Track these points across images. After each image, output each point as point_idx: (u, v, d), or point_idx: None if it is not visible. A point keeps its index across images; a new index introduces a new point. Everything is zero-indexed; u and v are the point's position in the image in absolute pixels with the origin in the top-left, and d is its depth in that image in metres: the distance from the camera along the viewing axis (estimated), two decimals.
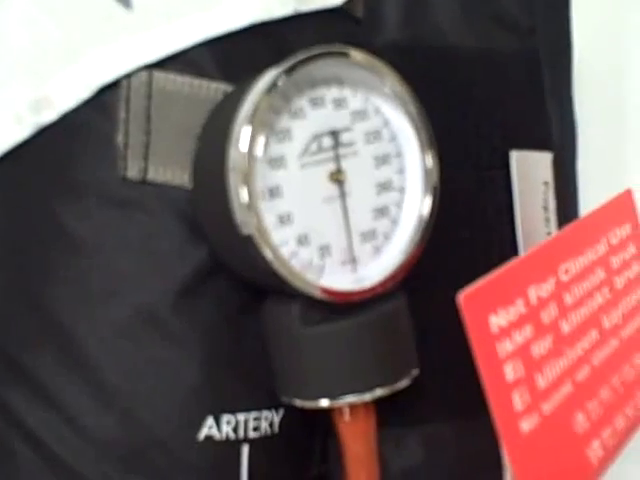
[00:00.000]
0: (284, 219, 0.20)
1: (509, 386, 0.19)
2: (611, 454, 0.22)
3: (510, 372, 0.19)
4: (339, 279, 0.21)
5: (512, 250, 0.25)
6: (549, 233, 0.26)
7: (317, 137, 0.20)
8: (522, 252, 0.25)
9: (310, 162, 0.20)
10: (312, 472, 0.25)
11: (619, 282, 0.24)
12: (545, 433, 0.20)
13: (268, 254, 0.19)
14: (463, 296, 0.18)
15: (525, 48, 0.26)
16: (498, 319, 0.19)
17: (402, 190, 0.22)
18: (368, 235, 0.21)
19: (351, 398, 0.21)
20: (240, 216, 0.19)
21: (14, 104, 0.22)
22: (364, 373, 0.21)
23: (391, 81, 0.21)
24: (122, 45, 0.22)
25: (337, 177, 0.21)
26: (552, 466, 0.20)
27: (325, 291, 0.20)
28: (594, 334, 0.22)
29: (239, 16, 0.22)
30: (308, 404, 0.21)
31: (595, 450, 0.21)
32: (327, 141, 0.21)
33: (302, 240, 0.20)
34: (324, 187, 0.21)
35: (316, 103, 0.21)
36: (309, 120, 0.20)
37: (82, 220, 0.22)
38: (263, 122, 0.19)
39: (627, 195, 0.25)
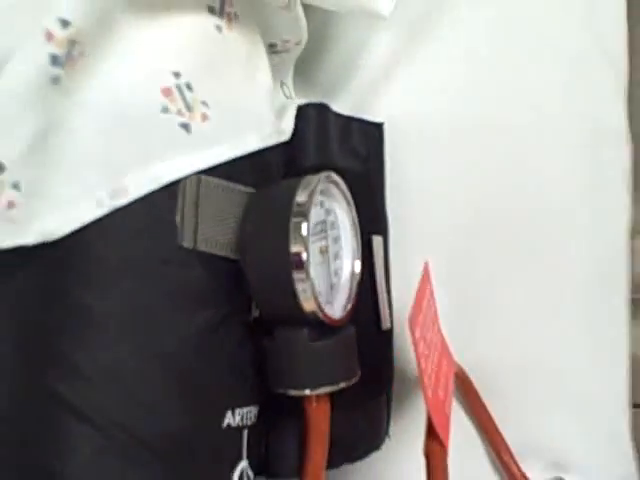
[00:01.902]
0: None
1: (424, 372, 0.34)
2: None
3: (423, 364, 0.34)
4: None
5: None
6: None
7: (317, 225, 0.33)
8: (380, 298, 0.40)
9: (313, 240, 0.33)
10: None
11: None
12: (435, 395, 0.35)
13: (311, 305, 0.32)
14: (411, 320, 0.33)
15: (365, 169, 0.42)
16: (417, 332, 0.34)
17: (341, 258, 0.36)
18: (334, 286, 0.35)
19: (325, 389, 0.33)
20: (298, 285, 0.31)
21: (95, 191, 0.30)
22: (335, 372, 0.34)
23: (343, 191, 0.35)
24: (183, 159, 0.32)
25: (324, 250, 0.34)
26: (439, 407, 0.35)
27: (327, 317, 0.33)
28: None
29: (250, 145, 0.34)
30: (296, 393, 0.33)
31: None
32: (320, 227, 0.34)
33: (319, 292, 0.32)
34: (318, 257, 0.33)
35: (317, 204, 0.33)
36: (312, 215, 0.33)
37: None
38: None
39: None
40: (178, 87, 0.32)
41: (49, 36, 0.29)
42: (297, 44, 0.42)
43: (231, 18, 0.35)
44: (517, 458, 0.47)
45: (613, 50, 0.55)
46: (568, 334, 0.50)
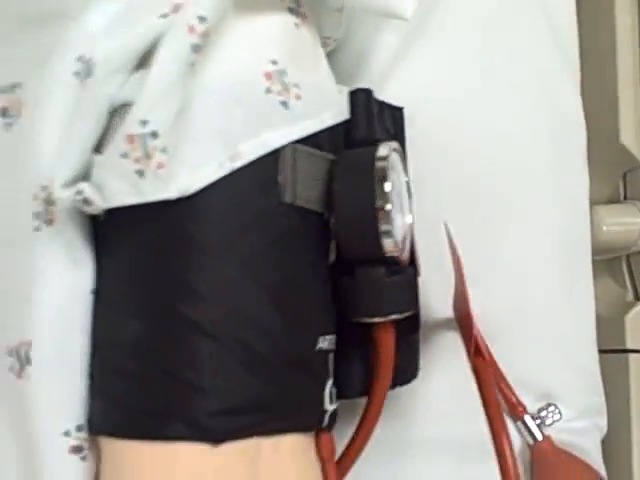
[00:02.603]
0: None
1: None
2: None
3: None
4: None
5: None
6: None
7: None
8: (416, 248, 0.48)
9: None
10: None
11: None
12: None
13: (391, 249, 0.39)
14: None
15: None
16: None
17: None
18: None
19: (394, 316, 0.41)
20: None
21: (218, 156, 0.37)
22: (402, 304, 0.41)
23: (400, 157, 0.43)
24: (284, 129, 0.39)
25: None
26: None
27: (400, 259, 0.40)
28: None
29: (328, 121, 0.41)
30: (370, 320, 0.41)
31: None
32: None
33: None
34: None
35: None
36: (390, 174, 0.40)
37: None
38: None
39: None
40: (277, 72, 0.39)
41: (191, 29, 0.35)
42: (335, 40, 0.49)
43: (304, 17, 0.43)
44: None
45: (567, 46, 0.65)
46: (547, 287, 0.59)
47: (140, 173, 0.35)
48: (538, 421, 0.55)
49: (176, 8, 0.37)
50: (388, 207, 0.38)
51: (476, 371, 0.42)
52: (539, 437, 0.55)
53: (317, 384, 0.40)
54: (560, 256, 0.60)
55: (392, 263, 0.40)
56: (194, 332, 0.36)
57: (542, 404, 0.57)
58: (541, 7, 0.63)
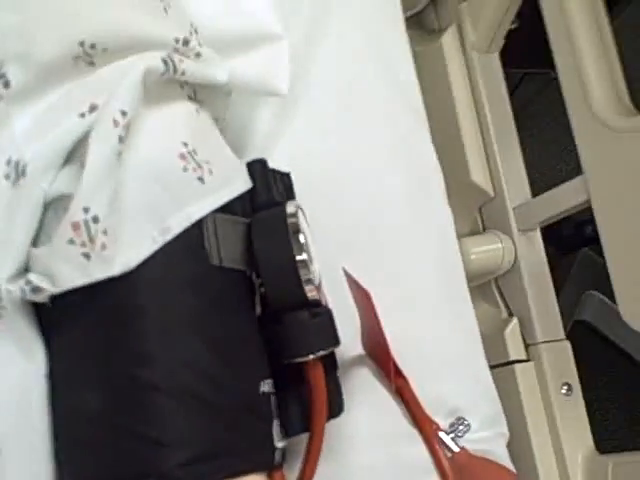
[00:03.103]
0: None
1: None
2: None
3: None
4: None
5: None
6: None
7: None
8: None
9: None
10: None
11: None
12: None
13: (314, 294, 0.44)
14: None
15: None
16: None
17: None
18: None
19: (323, 352, 0.46)
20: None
21: (150, 232, 0.41)
22: (327, 341, 0.46)
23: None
24: (202, 202, 0.44)
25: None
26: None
27: (319, 302, 0.46)
28: None
29: (239, 189, 0.46)
30: (302, 359, 0.45)
31: None
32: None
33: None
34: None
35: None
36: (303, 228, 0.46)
37: None
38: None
39: None
40: (189, 152, 0.44)
41: (116, 123, 0.40)
42: (223, 120, 0.55)
43: (201, 102, 0.48)
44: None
45: (415, 104, 0.74)
46: (434, 314, 0.66)
47: (86, 256, 0.39)
48: (452, 435, 0.61)
49: (93, 108, 0.41)
50: (305, 257, 0.44)
51: (400, 391, 0.47)
52: (455, 449, 0.61)
53: (266, 425, 0.44)
54: (440, 286, 0.68)
55: (314, 306, 0.45)
56: (151, 392, 0.39)
57: (452, 419, 0.63)
58: (391, 73, 0.73)
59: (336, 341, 0.47)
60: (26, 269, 0.42)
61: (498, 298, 0.79)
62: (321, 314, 0.46)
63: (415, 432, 0.61)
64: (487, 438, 0.65)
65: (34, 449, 0.41)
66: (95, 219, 0.39)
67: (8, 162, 0.41)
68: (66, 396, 0.41)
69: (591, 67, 0.66)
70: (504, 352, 0.74)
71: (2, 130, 0.41)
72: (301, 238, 0.44)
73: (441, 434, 0.61)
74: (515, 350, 0.74)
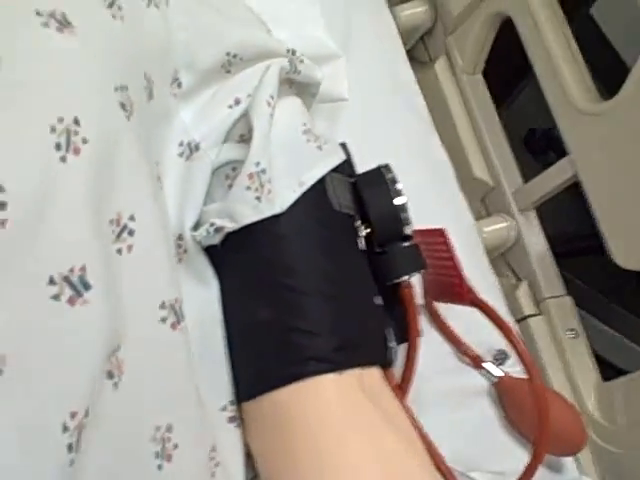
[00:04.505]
0: None
1: None
2: None
3: None
4: None
5: None
6: None
7: None
8: None
9: None
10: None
11: None
12: None
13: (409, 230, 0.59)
14: None
15: None
16: None
17: None
18: None
19: (415, 274, 0.61)
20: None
21: (292, 185, 0.56)
22: (421, 263, 0.61)
23: None
24: (321, 165, 0.58)
25: None
26: None
27: (412, 236, 0.60)
28: None
29: (341, 157, 0.61)
30: (400, 280, 0.60)
31: None
32: None
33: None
34: None
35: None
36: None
37: None
38: None
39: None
40: (308, 130, 0.59)
41: (268, 103, 0.55)
42: None
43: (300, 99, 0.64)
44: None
45: (425, 117, 0.91)
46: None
47: (258, 199, 0.53)
48: (496, 363, 0.76)
49: (237, 101, 0.56)
50: (403, 201, 0.59)
51: (477, 303, 0.63)
52: (499, 374, 0.76)
53: (383, 327, 0.58)
54: (468, 261, 0.83)
55: (408, 239, 0.60)
56: (300, 295, 0.52)
57: (494, 352, 0.78)
58: (402, 94, 0.90)
59: (425, 265, 0.62)
60: (196, 225, 0.55)
61: (506, 268, 0.95)
62: (413, 245, 0.61)
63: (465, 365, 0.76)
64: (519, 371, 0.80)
65: (216, 352, 0.54)
66: (263, 171, 0.53)
67: (181, 144, 0.55)
68: (238, 311, 0.55)
69: (563, 67, 0.84)
70: (519, 309, 0.90)
71: (174, 120, 0.56)
72: (398, 186, 0.59)
73: (485, 364, 0.76)
74: (528, 307, 0.90)
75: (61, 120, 0.40)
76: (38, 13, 0.42)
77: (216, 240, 0.54)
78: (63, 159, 0.39)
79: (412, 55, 1.00)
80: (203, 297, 0.55)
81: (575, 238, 1.25)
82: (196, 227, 0.55)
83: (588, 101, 0.83)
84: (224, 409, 0.53)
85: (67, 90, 0.41)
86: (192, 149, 0.55)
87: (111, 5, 0.48)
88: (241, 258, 0.55)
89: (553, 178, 0.88)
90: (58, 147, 0.39)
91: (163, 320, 0.45)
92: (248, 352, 0.54)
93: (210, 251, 0.56)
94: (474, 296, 0.65)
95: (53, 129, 0.39)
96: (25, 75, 0.40)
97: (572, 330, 0.89)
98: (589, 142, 0.82)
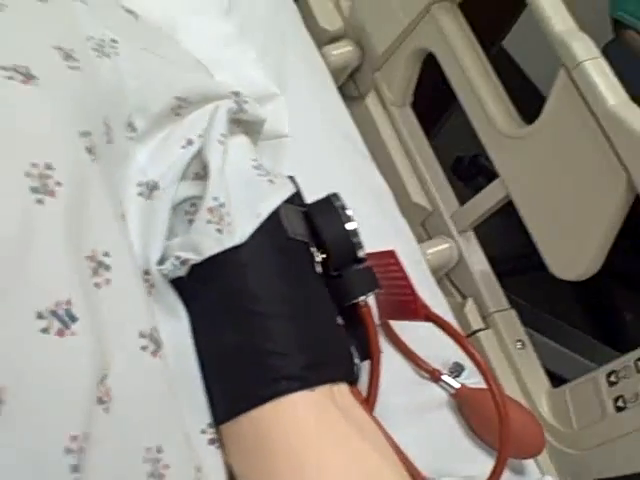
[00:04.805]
0: None
1: None
2: None
3: None
4: None
5: None
6: None
7: None
8: None
9: None
10: None
11: None
12: None
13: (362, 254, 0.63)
14: None
15: None
16: None
17: None
18: None
19: (371, 294, 0.64)
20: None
21: (250, 216, 0.59)
22: (374, 283, 0.64)
23: None
24: (275, 197, 0.61)
25: None
26: None
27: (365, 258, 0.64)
28: None
29: (292, 189, 0.64)
30: (357, 300, 0.63)
31: None
32: None
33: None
34: None
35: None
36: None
37: None
38: None
39: None
40: (259, 165, 0.62)
41: (220, 142, 0.58)
42: None
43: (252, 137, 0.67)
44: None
45: (363, 149, 0.96)
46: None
47: (219, 231, 0.56)
48: (453, 375, 0.80)
49: (189, 142, 0.59)
50: (354, 226, 0.62)
51: (432, 317, 0.66)
52: (457, 386, 0.79)
53: (347, 345, 0.61)
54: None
55: (361, 261, 0.64)
56: (265, 319, 0.55)
57: (449, 365, 0.81)
58: (338, 128, 0.94)
59: (379, 285, 0.65)
60: (161, 260, 0.58)
61: (451, 287, 0.99)
62: (366, 267, 0.64)
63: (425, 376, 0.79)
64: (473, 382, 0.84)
65: (192, 378, 0.56)
66: (222, 205, 0.56)
67: (139, 184, 0.58)
68: (209, 338, 0.57)
69: (486, 96, 0.90)
70: (468, 325, 0.94)
71: (131, 161, 0.58)
72: (348, 212, 0.63)
73: (443, 377, 0.79)
74: (475, 322, 0.94)
75: (35, 165, 0.42)
76: (3, 68, 0.44)
77: (182, 272, 0.57)
78: (40, 201, 0.41)
79: (343, 92, 1.04)
80: (174, 328, 0.57)
81: (514, 255, 1.31)
82: (161, 261, 0.57)
83: (511, 126, 0.88)
84: (204, 432, 0.55)
85: (37, 138, 0.43)
86: (151, 188, 0.58)
87: (67, 58, 0.50)
88: (207, 288, 0.57)
89: (487, 200, 0.94)
90: (34, 190, 0.41)
91: (143, 348, 0.47)
92: (222, 376, 0.56)
93: (176, 283, 0.58)
94: (428, 311, 0.69)
95: (28, 174, 0.41)
96: None
97: (519, 341, 0.93)
98: (516, 163, 0.88)
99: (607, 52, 0.82)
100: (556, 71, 0.82)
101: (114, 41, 0.58)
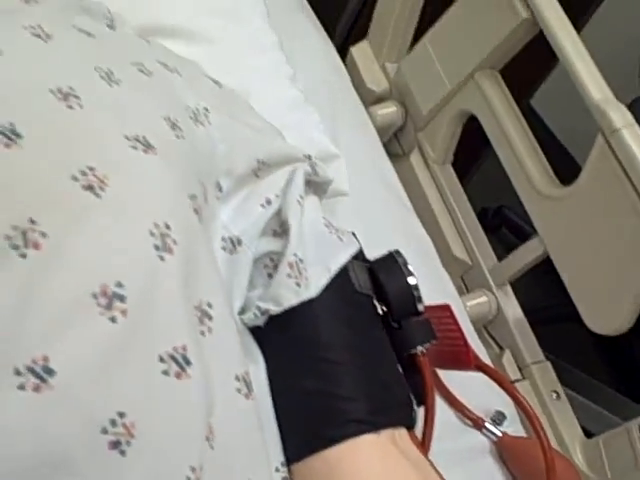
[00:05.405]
0: None
1: None
2: None
3: None
4: None
5: None
6: None
7: None
8: None
9: None
10: None
11: None
12: None
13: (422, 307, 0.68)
14: None
15: None
16: None
17: None
18: None
19: (428, 344, 0.69)
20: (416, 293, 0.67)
21: (322, 271, 0.64)
22: (432, 334, 0.69)
23: None
24: (344, 254, 0.67)
25: None
26: None
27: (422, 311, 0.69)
28: None
29: (357, 247, 0.70)
30: (415, 350, 0.68)
31: None
32: None
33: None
34: None
35: None
36: None
37: None
38: None
39: None
40: (329, 223, 0.68)
41: (299, 203, 0.64)
42: None
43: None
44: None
45: (408, 204, 1.02)
46: None
47: (298, 284, 0.61)
48: (495, 423, 0.84)
49: (268, 201, 0.65)
50: (415, 281, 0.68)
51: (483, 368, 0.71)
52: (500, 434, 0.83)
53: (407, 392, 0.66)
54: None
55: (420, 314, 0.69)
56: (339, 367, 0.59)
57: (492, 414, 0.86)
58: (385, 182, 1.01)
59: (435, 336, 0.70)
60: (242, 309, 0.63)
61: (489, 338, 1.04)
62: (424, 319, 0.69)
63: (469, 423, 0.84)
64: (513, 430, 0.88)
65: (267, 419, 0.60)
66: (301, 260, 0.62)
67: (223, 239, 0.63)
68: (284, 382, 0.61)
69: (525, 156, 0.96)
70: (506, 375, 0.99)
71: (215, 219, 0.64)
72: (410, 268, 0.68)
73: (486, 424, 0.84)
74: (513, 373, 0.99)
75: (157, 225, 0.48)
76: (126, 137, 0.50)
77: (261, 322, 0.62)
78: (162, 258, 0.47)
79: (386, 149, 1.10)
80: (253, 371, 0.62)
81: (549, 307, 1.36)
82: (242, 310, 0.62)
83: (550, 187, 0.94)
84: (277, 470, 0.59)
85: (159, 201, 0.49)
86: (234, 243, 0.63)
87: (173, 127, 0.56)
88: (282, 335, 0.62)
89: (525, 255, 0.99)
90: (157, 248, 0.47)
91: (238, 390, 0.52)
92: (296, 418, 0.61)
93: (253, 330, 0.64)
94: (480, 362, 0.73)
95: (152, 233, 0.47)
96: (126, 191, 0.48)
97: (555, 392, 0.98)
98: (554, 222, 0.93)
99: (634, 109, 0.88)
100: (588, 133, 0.88)
101: (206, 110, 0.64)
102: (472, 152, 1.23)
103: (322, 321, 0.62)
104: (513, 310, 1.02)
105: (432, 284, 0.95)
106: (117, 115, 0.53)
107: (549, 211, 0.94)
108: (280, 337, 0.62)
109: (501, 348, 1.03)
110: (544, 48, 0.91)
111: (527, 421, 0.71)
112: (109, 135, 0.50)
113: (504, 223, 1.82)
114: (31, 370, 0.40)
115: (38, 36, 0.55)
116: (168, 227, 0.48)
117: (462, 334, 0.73)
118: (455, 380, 0.85)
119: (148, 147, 0.51)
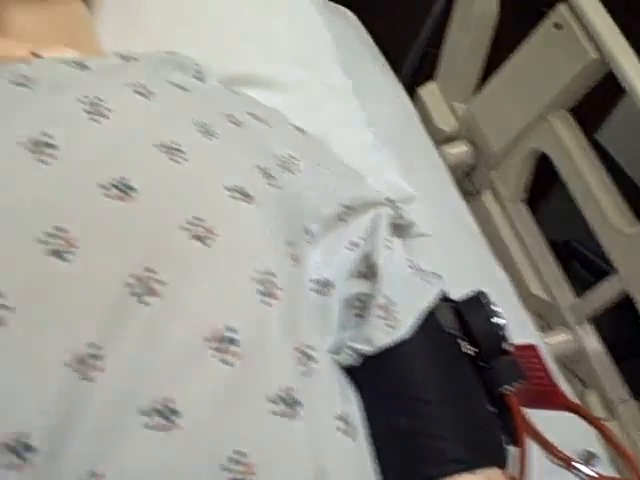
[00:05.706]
0: None
1: None
2: None
3: None
4: None
5: None
6: None
7: None
8: None
9: None
10: None
11: None
12: None
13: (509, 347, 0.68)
14: None
15: None
16: None
17: None
18: None
19: (517, 384, 0.69)
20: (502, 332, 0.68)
21: (409, 315, 0.65)
22: (521, 375, 0.69)
23: None
24: (430, 295, 0.68)
25: None
26: None
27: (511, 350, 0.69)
28: None
29: (443, 286, 0.71)
30: (505, 390, 0.68)
31: None
32: None
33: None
34: None
35: None
36: None
37: None
38: None
39: None
40: (413, 265, 0.69)
41: (387, 247, 0.65)
42: None
43: None
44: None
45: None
46: None
47: (389, 325, 0.62)
48: (585, 464, 0.83)
49: (353, 244, 0.67)
50: (501, 321, 0.68)
51: (572, 407, 0.71)
52: (593, 474, 0.82)
53: (498, 431, 0.66)
54: None
55: (507, 353, 0.69)
56: (432, 406, 0.60)
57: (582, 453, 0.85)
58: (460, 222, 1.01)
59: (524, 376, 0.70)
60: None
61: (571, 376, 1.03)
62: (512, 359, 0.69)
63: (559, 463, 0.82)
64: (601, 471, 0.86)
65: (363, 453, 0.61)
66: (391, 302, 0.63)
67: (312, 281, 0.65)
68: (377, 420, 0.62)
69: (599, 193, 0.95)
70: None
71: (307, 263, 0.66)
72: (496, 308, 0.68)
73: (577, 465, 0.82)
74: (598, 412, 0.97)
75: (261, 272, 0.49)
76: (226, 188, 0.53)
77: (355, 362, 0.63)
78: (268, 304, 0.49)
79: (459, 187, 1.11)
80: (345, 407, 0.62)
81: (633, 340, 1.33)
82: (334, 351, 0.64)
83: (626, 224, 0.93)
84: None
85: (260, 249, 0.51)
86: (324, 285, 0.65)
87: (266, 176, 0.59)
88: (375, 375, 0.63)
89: (604, 293, 0.98)
90: (261, 293, 0.49)
91: (343, 431, 0.53)
92: (393, 456, 0.61)
93: (345, 369, 0.65)
94: (569, 401, 0.73)
95: (253, 278, 0.49)
96: (232, 240, 0.50)
97: None
98: (633, 259, 0.92)
99: None
100: None
101: (294, 158, 0.66)
102: (540, 188, 1.22)
103: (414, 361, 0.62)
104: (595, 348, 1.01)
105: (511, 323, 0.95)
106: (216, 167, 0.55)
107: (628, 248, 0.93)
108: (372, 377, 0.63)
109: (584, 385, 1.02)
110: (609, 83, 0.92)
111: (621, 461, 0.70)
112: (211, 187, 0.53)
113: (574, 257, 1.80)
114: (157, 411, 0.42)
115: (141, 94, 0.58)
116: (272, 274, 0.50)
117: (548, 373, 0.73)
118: (539, 420, 0.84)
119: (246, 197, 0.53)
